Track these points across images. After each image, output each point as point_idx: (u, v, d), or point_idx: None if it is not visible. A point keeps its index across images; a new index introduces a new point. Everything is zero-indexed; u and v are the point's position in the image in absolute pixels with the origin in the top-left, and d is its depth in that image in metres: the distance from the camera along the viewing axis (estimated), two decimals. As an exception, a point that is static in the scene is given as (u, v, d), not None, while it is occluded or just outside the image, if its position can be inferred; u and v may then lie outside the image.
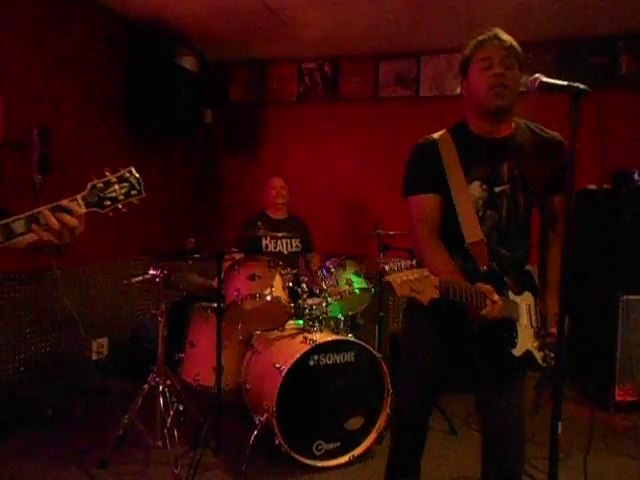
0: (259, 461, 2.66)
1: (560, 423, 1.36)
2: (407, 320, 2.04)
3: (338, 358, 2.71)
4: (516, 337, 1.69)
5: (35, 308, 3.27)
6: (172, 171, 4.54)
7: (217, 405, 2.78)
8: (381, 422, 2.76)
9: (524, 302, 1.74)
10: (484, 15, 3.59)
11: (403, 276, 1.44)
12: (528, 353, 1.71)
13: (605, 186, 3.50)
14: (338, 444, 2.69)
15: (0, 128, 2.97)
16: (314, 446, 2.64)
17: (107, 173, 1.31)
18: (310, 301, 2.99)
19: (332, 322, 3.06)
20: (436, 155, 1.74)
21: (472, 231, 1.71)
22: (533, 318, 1.76)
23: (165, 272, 2.76)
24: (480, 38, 1.70)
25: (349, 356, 2.73)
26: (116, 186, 1.31)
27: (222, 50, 4.52)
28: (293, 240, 3.66)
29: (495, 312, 1.59)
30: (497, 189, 1.73)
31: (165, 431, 2.62)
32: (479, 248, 1.71)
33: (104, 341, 3.81)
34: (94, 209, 1.30)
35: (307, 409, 2.65)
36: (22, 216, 1.25)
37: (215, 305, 2.85)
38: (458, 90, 4.27)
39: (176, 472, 2.51)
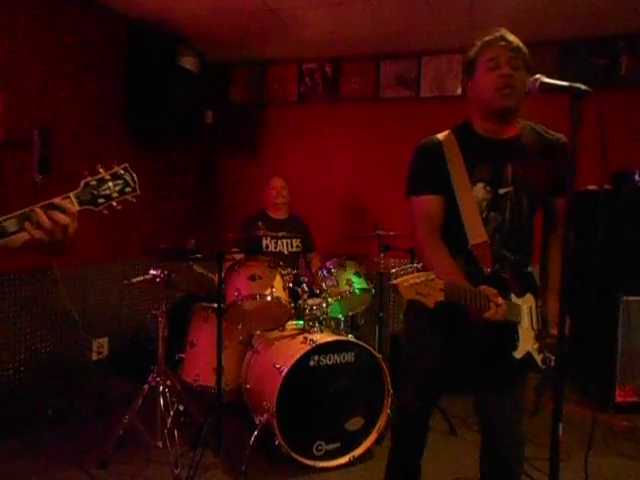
0: (259, 461, 2.66)
1: (560, 424, 1.36)
2: (409, 321, 2.05)
3: (338, 358, 2.71)
4: (517, 339, 1.69)
5: (35, 308, 3.26)
6: (172, 171, 4.54)
7: (217, 405, 2.78)
8: (381, 423, 2.76)
9: (526, 304, 1.74)
10: (485, 16, 3.59)
11: (409, 279, 1.44)
12: (528, 355, 1.71)
13: (606, 187, 3.49)
14: (338, 444, 2.69)
15: (0, 128, 2.97)
16: (314, 446, 2.64)
17: (101, 170, 1.29)
18: (310, 301, 2.99)
19: (332, 322, 3.06)
20: (440, 156, 1.73)
21: (476, 233, 1.71)
22: (534, 320, 1.76)
23: (165, 272, 2.77)
24: (487, 39, 1.70)
25: (349, 356, 2.73)
26: (110, 183, 1.29)
27: (223, 50, 4.51)
28: (293, 240, 3.66)
29: (498, 315, 1.59)
30: (501, 191, 1.73)
31: (165, 431, 2.62)
32: (483, 250, 1.71)
33: (104, 341, 3.80)
34: (87, 207, 1.28)
35: (307, 409, 2.65)
36: (14, 215, 1.23)
37: (215, 305, 2.86)
38: (459, 91, 4.27)
39: (176, 472, 2.51)
